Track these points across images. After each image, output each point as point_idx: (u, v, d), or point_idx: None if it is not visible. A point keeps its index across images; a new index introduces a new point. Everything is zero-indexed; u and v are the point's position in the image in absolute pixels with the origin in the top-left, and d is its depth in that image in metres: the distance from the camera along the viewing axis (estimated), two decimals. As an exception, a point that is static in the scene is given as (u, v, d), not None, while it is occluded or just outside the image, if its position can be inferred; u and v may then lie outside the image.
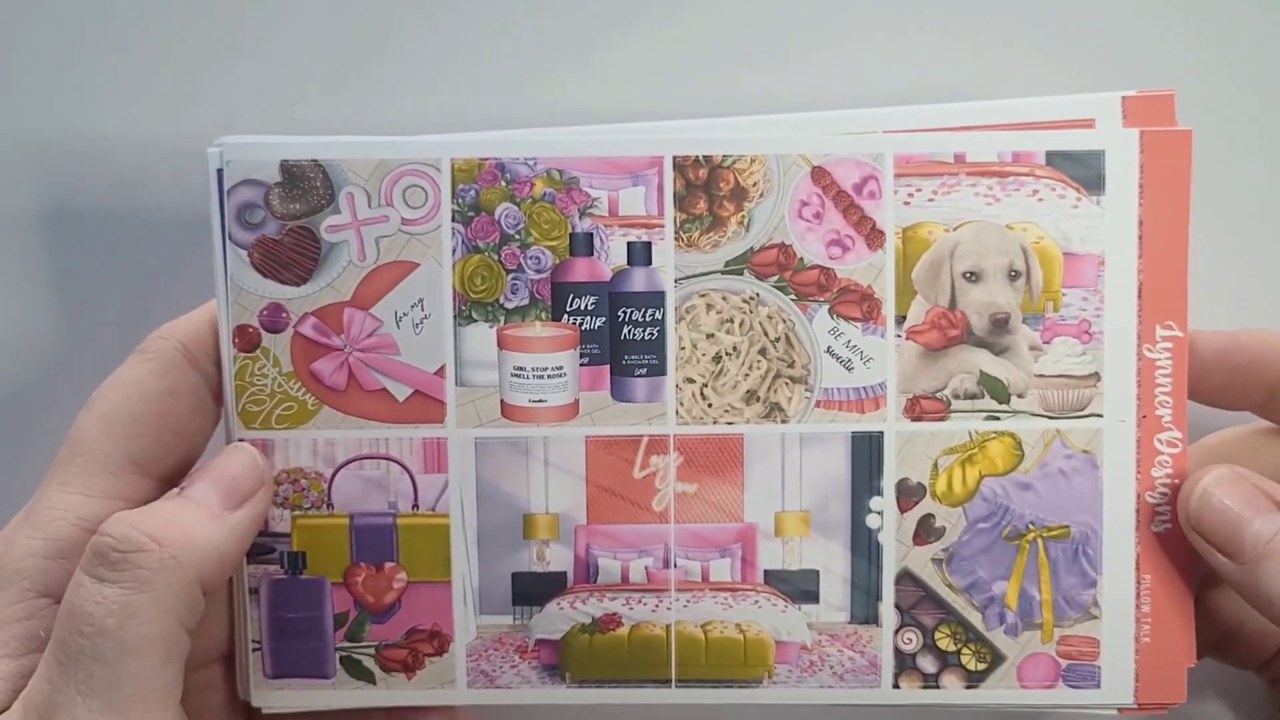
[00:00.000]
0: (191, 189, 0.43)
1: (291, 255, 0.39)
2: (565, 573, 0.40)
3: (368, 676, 0.40)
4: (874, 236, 0.39)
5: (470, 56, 0.45)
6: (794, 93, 0.44)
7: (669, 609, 0.40)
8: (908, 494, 0.40)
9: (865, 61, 0.44)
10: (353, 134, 0.40)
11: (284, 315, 0.39)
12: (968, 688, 0.40)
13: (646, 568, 0.40)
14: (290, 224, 0.39)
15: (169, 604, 0.34)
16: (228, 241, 0.39)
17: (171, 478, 0.39)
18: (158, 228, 0.45)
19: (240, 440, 0.39)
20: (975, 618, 0.40)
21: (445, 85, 0.45)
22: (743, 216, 0.39)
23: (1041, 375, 0.40)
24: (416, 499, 0.40)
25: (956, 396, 0.40)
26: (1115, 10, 0.44)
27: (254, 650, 0.40)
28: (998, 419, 0.40)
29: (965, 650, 0.40)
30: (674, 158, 0.39)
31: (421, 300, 0.39)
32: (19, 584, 0.35)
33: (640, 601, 0.40)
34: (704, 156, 0.39)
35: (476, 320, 0.40)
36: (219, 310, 0.39)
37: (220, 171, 0.39)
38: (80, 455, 0.37)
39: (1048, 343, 0.40)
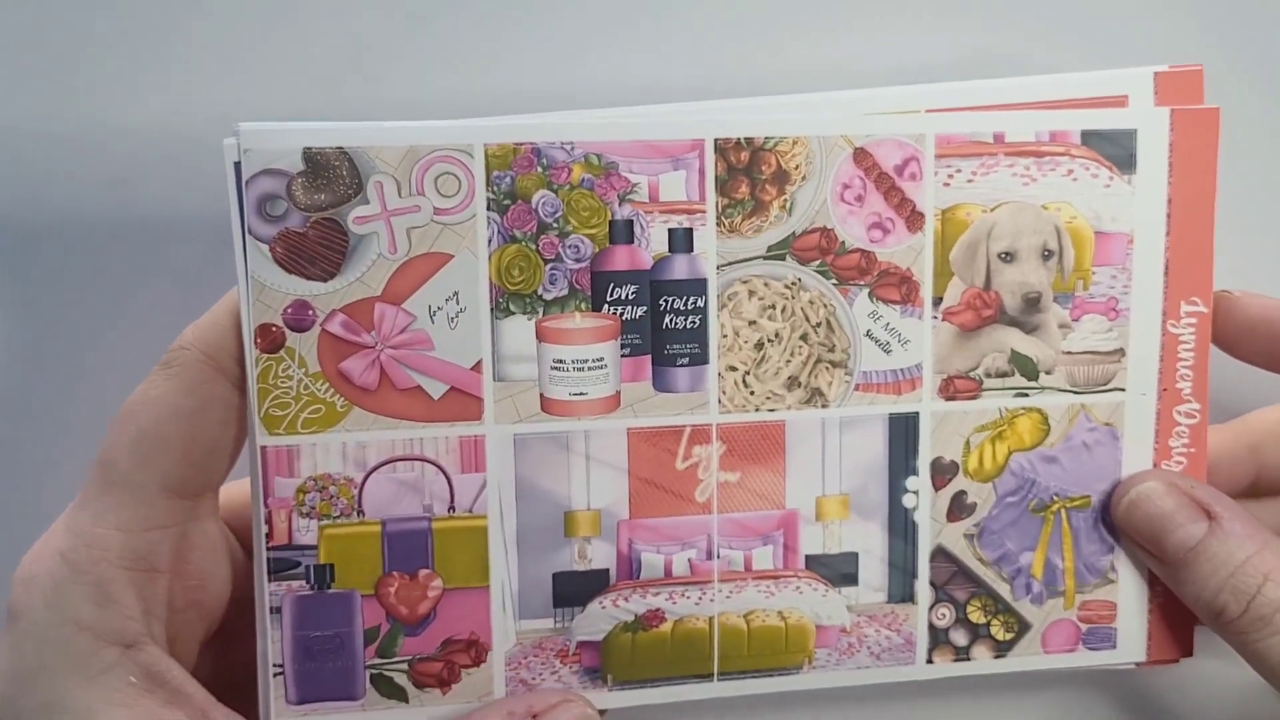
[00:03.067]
0: (206, 183, 0.48)
1: (317, 249, 0.45)
2: (608, 570, 0.49)
3: (399, 695, 0.48)
4: (914, 219, 0.49)
5: (500, 35, 0.51)
6: (835, 71, 0.52)
7: (712, 601, 0.49)
8: (941, 472, 0.50)
9: (905, 39, 0.53)
10: (379, 119, 0.46)
11: (310, 313, 0.46)
12: (996, 657, 0.51)
13: (690, 560, 0.49)
14: (315, 216, 0.45)
15: None
16: (248, 236, 0.45)
17: (206, 490, 0.45)
18: (171, 225, 0.50)
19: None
20: (1004, 589, 0.51)
21: (475, 66, 0.51)
22: (785, 200, 0.48)
23: (1069, 352, 0.50)
24: (453, 501, 0.47)
25: (988, 375, 0.50)
26: None
27: (275, 675, 0.47)
28: (1026, 395, 0.50)
29: (995, 621, 0.51)
30: (715, 140, 0.47)
31: (457, 293, 0.46)
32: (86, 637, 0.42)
33: (684, 595, 0.49)
34: (746, 139, 0.47)
35: (514, 313, 0.47)
36: (241, 309, 0.45)
37: (238, 164, 0.44)
38: (115, 487, 0.43)
39: (1076, 320, 0.50)
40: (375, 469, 0.46)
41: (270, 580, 0.46)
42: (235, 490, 0.48)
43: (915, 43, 0.52)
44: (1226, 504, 0.48)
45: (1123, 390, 0.50)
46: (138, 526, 0.43)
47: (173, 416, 0.44)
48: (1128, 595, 0.51)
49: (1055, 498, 0.50)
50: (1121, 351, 0.49)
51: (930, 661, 0.50)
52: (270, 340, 0.45)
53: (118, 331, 0.51)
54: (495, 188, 0.45)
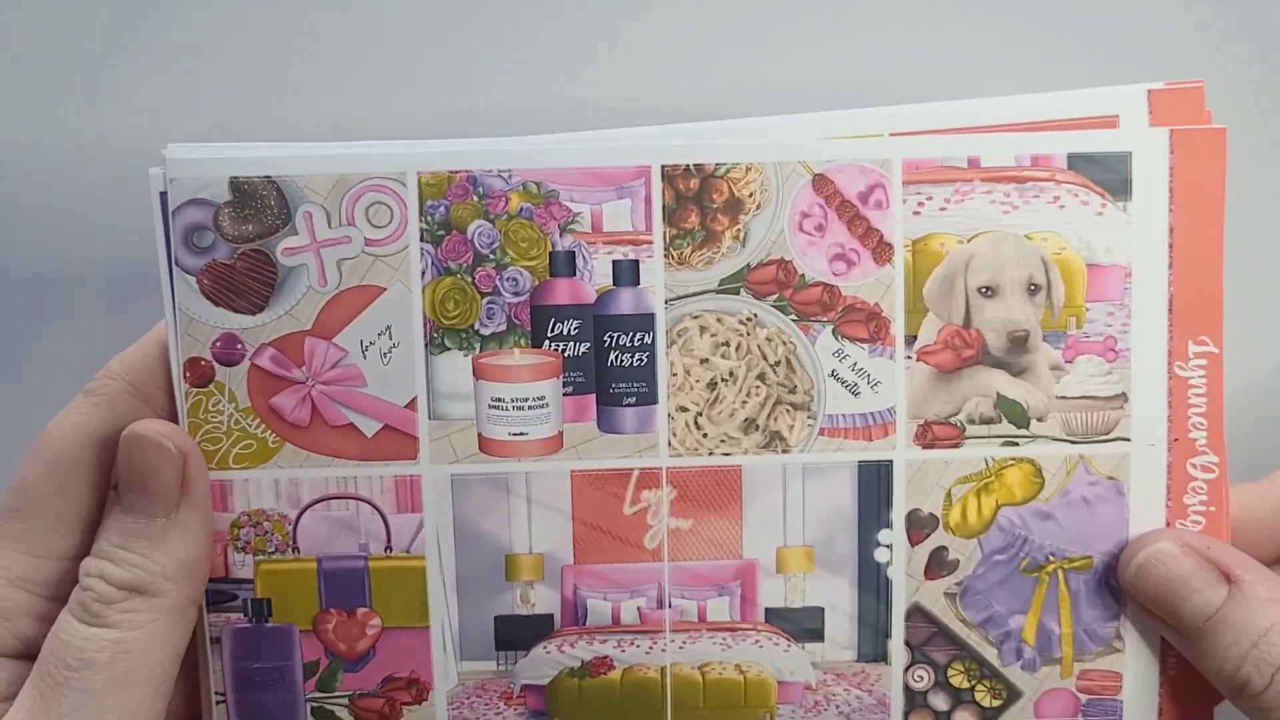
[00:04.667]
0: (131, 210, 0.49)
1: (246, 281, 0.45)
2: (552, 615, 0.47)
3: (340, 728, 0.47)
4: (881, 250, 0.46)
5: (436, 55, 0.50)
6: (792, 92, 0.49)
7: (664, 651, 0.47)
8: (919, 526, 0.47)
9: (868, 55, 0.50)
10: (307, 141, 0.45)
11: (239, 346, 0.45)
12: (982, 727, 0.48)
13: (639, 608, 0.47)
14: (243, 247, 0.45)
15: (163, 631, 0.42)
16: (174, 267, 0.45)
17: None
18: (95, 255, 0.51)
19: (143, 423, 0.44)
20: (990, 653, 0.47)
21: (408, 87, 0.50)
22: (738, 230, 0.45)
23: (1063, 397, 0.46)
24: (389, 540, 0.47)
25: (971, 421, 0.46)
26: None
27: (218, 703, 0.47)
28: (1016, 444, 0.47)
29: (980, 687, 0.47)
30: (662, 167, 0.45)
31: (389, 328, 0.45)
32: None
33: (633, 644, 0.47)
34: (695, 165, 0.45)
35: (450, 348, 0.46)
36: (169, 342, 0.45)
37: (164, 194, 0.44)
38: (27, 512, 0.43)
39: (1070, 362, 0.46)
40: (309, 506, 0.46)
41: (209, 612, 0.46)
42: None
43: (881, 65, 0.49)
44: (1248, 565, 0.43)
45: (1127, 440, 0.46)
46: (49, 554, 0.43)
47: (94, 445, 0.43)
48: (1136, 665, 0.47)
49: (1051, 558, 0.46)
50: (1124, 396, 0.45)
51: (907, 725, 0.47)
52: (199, 374, 0.45)
53: (43, 363, 0.51)
54: (429, 218, 0.44)
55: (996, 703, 0.47)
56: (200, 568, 0.44)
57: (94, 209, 0.51)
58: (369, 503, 0.46)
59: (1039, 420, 0.46)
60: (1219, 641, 0.43)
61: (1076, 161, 0.44)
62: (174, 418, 0.45)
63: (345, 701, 0.47)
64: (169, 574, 0.42)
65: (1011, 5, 0.50)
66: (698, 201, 0.45)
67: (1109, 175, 0.44)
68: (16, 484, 0.44)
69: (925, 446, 0.46)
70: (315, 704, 0.47)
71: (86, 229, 0.51)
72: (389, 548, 0.46)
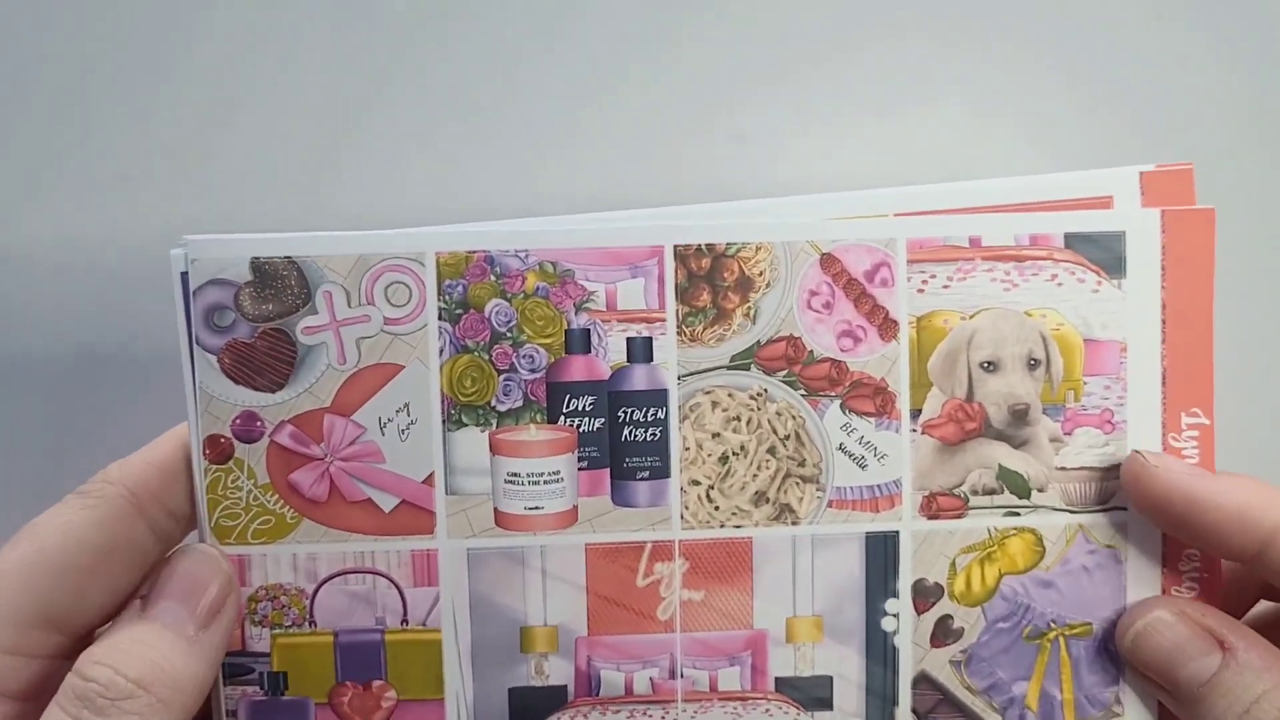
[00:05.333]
0: (153, 296, 0.49)
1: (265, 360, 0.46)
2: (566, 686, 0.48)
3: (356, 802, 0.48)
4: (887, 327, 0.47)
5: (451, 142, 0.51)
6: (799, 173, 0.51)
7: (676, 721, 0.48)
8: (924, 595, 0.48)
9: (872, 140, 0.52)
10: (327, 230, 0.46)
11: (259, 424, 0.46)
12: (988, 792, 0.49)
13: (651, 678, 0.48)
14: (263, 326, 0.46)
15: None
16: (195, 346, 0.46)
17: (88, 630, 0.43)
18: (114, 345, 0.52)
19: (195, 544, 0.45)
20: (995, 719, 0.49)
21: (426, 175, 0.52)
22: (749, 308, 0.47)
23: (1063, 468, 0.48)
24: (406, 614, 0.47)
25: (975, 492, 0.48)
26: (1125, 83, 0.52)
27: (232, 779, 0.47)
28: (1018, 514, 0.48)
29: (985, 755, 0.49)
30: (675, 247, 0.47)
31: (407, 405, 0.46)
32: None
33: (645, 714, 0.48)
34: (706, 245, 0.47)
35: (467, 424, 0.47)
36: (189, 419, 0.46)
37: (185, 274, 0.45)
38: None
39: (1069, 434, 0.48)
40: (326, 580, 0.46)
41: (225, 684, 0.46)
42: None
43: (884, 149, 0.51)
44: (1242, 633, 0.45)
45: (1124, 510, 0.47)
46: (2, 648, 0.42)
47: (77, 548, 0.42)
48: (1135, 729, 0.48)
49: (1052, 625, 0.48)
50: (1120, 467, 0.47)
51: (915, 793, 0.48)
52: (219, 451, 0.45)
53: (67, 445, 0.52)
54: (447, 297, 0.45)
55: (1001, 768, 0.48)
56: (203, 693, 0.43)
57: (112, 297, 0.51)
58: (386, 577, 0.46)
59: (1039, 491, 0.47)
60: (1213, 707, 0.44)
61: (1073, 241, 0.46)
62: (170, 531, 0.45)
63: None
64: (180, 685, 0.42)
65: (1009, 92, 0.52)
66: (709, 280, 0.46)
67: (1104, 254, 0.46)
68: None
69: (930, 517, 0.47)
70: None
71: (105, 316, 0.52)
72: (405, 620, 0.47)
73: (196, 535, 0.46)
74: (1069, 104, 0.52)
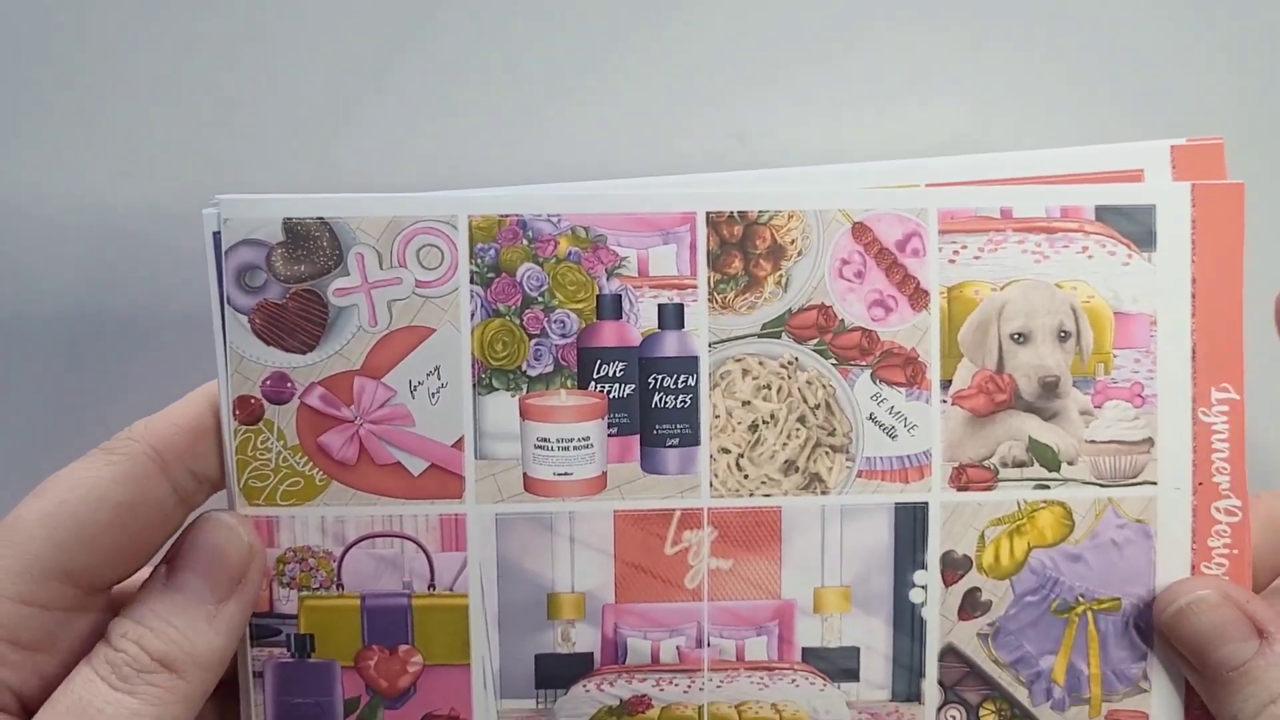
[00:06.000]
0: (184, 257, 0.50)
1: (297, 321, 0.46)
2: (592, 654, 0.48)
3: (380, 766, 0.48)
4: (918, 297, 0.47)
5: (486, 107, 0.52)
6: (832, 144, 0.51)
7: (701, 689, 0.48)
8: (953, 567, 0.48)
9: (906, 111, 0.52)
10: (360, 191, 0.46)
11: (289, 385, 0.46)
12: (1014, 766, 0.49)
13: (678, 647, 0.48)
14: (295, 287, 0.46)
15: (176, 716, 0.42)
16: (226, 306, 0.46)
17: (106, 586, 0.44)
18: (152, 305, 0.52)
19: (218, 511, 0.45)
20: (1021, 694, 0.49)
21: (461, 139, 0.52)
22: (780, 276, 0.47)
23: (1093, 441, 0.48)
24: (433, 578, 0.47)
25: (1004, 465, 0.48)
26: (1156, 57, 0.52)
27: (257, 739, 0.47)
28: (1047, 488, 0.48)
29: (1012, 728, 0.49)
30: (707, 214, 0.47)
31: (438, 368, 0.47)
32: None
33: (671, 682, 0.48)
34: (739, 212, 0.47)
35: (497, 389, 0.47)
36: (219, 379, 0.46)
37: (217, 234, 0.45)
38: (8, 551, 0.41)
39: (1099, 407, 0.48)
40: (354, 544, 0.47)
41: (253, 646, 0.46)
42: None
43: (915, 117, 0.52)
44: None
45: (1154, 484, 0.47)
46: (17, 597, 0.42)
47: (99, 503, 0.42)
48: (1162, 706, 0.48)
49: (1081, 599, 0.48)
50: (1150, 441, 0.47)
51: (940, 766, 0.48)
52: (249, 412, 0.46)
53: (97, 404, 0.52)
54: (479, 260, 0.46)
55: (1027, 742, 0.48)
56: (225, 663, 0.44)
57: (145, 258, 0.52)
58: (414, 541, 0.47)
59: (1069, 464, 0.47)
60: (1240, 692, 0.44)
61: (1104, 213, 0.46)
62: (192, 492, 0.45)
63: None
64: (200, 660, 0.43)
65: (1043, 63, 0.52)
66: (741, 248, 0.46)
67: (1135, 227, 0.46)
68: (8, 519, 0.42)
69: (960, 489, 0.47)
70: None
71: (136, 277, 0.52)
72: (432, 585, 0.47)
73: (221, 498, 0.46)
74: (1101, 77, 0.52)
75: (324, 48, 0.52)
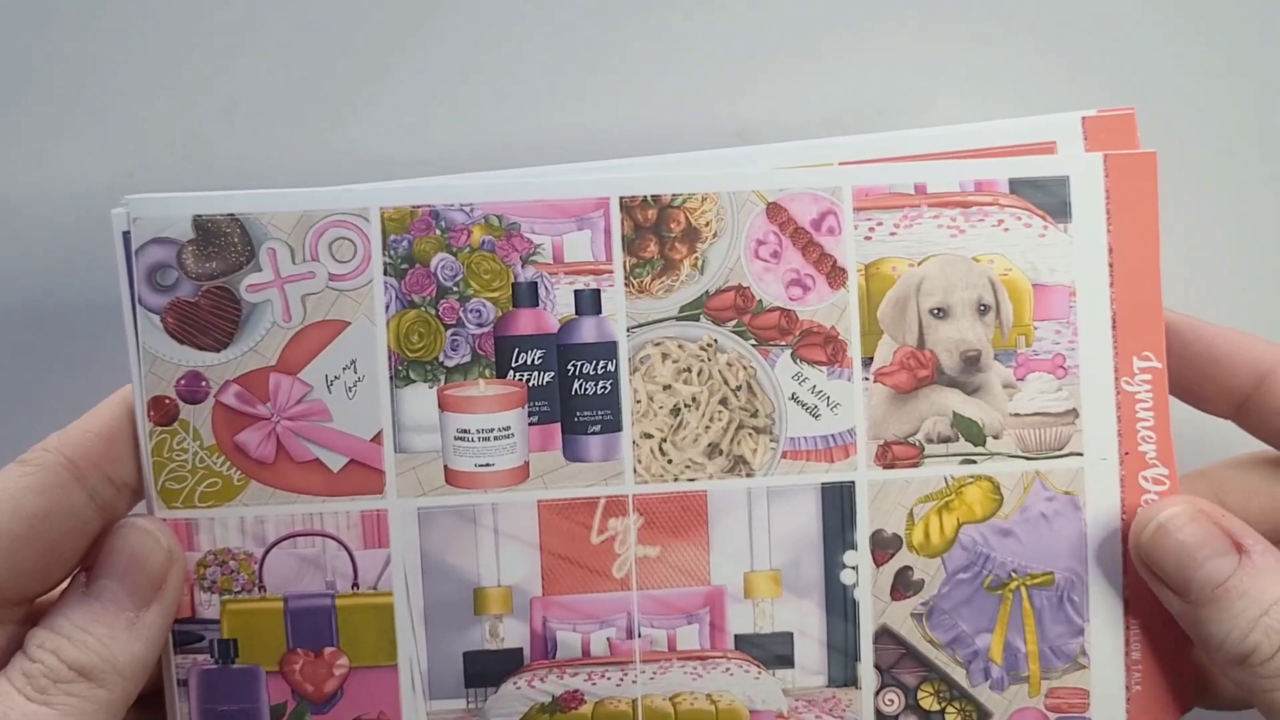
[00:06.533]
0: (92, 256, 0.49)
1: (209, 318, 0.46)
2: (521, 649, 0.47)
3: (309, 773, 0.47)
4: (835, 275, 0.47)
5: (397, 97, 0.52)
6: (744, 126, 0.52)
7: (634, 682, 0.48)
8: (883, 546, 0.48)
9: (816, 88, 0.52)
10: (269, 186, 0.46)
11: (203, 384, 0.46)
12: (955, 749, 0.48)
13: (609, 639, 0.48)
14: (207, 284, 0.46)
15: None
16: (138, 306, 0.46)
17: (24, 599, 0.43)
18: (60, 296, 0.52)
19: (136, 517, 0.45)
20: (959, 674, 0.48)
21: (370, 130, 0.52)
22: (696, 259, 0.47)
23: (1017, 414, 0.48)
24: (356, 577, 0.47)
25: (930, 440, 0.48)
26: (1066, 27, 0.53)
27: (182, 748, 0.47)
28: (974, 462, 0.48)
29: (950, 709, 0.48)
30: (621, 199, 0.47)
31: (354, 362, 0.46)
32: None
33: (604, 676, 0.48)
34: (652, 196, 0.47)
35: (415, 380, 0.47)
36: (133, 380, 0.46)
37: (127, 234, 0.45)
38: None
39: (1022, 379, 0.48)
40: (275, 544, 0.46)
41: (176, 653, 0.46)
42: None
43: (825, 96, 0.52)
44: (1255, 535, 0.45)
45: (1080, 455, 0.47)
46: None
47: (13, 515, 0.42)
48: (1102, 682, 0.48)
49: (1014, 574, 0.48)
50: (1075, 413, 0.47)
51: (880, 751, 0.48)
52: (164, 413, 0.45)
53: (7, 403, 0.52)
54: (392, 252, 0.46)
55: (968, 724, 0.48)
56: (147, 671, 0.43)
57: (58, 251, 0.51)
58: (335, 539, 0.46)
59: (995, 438, 0.47)
60: (1228, 609, 0.44)
61: (1018, 186, 0.47)
62: (111, 500, 0.44)
63: None
64: (120, 669, 0.42)
65: (951, 40, 0.52)
66: (656, 231, 0.46)
67: (1049, 199, 0.47)
68: None
69: (886, 467, 0.47)
70: None
71: (49, 271, 0.52)
72: (356, 584, 0.46)
73: (143, 505, 0.46)
74: (1010, 50, 0.53)
75: (247, 42, 0.52)
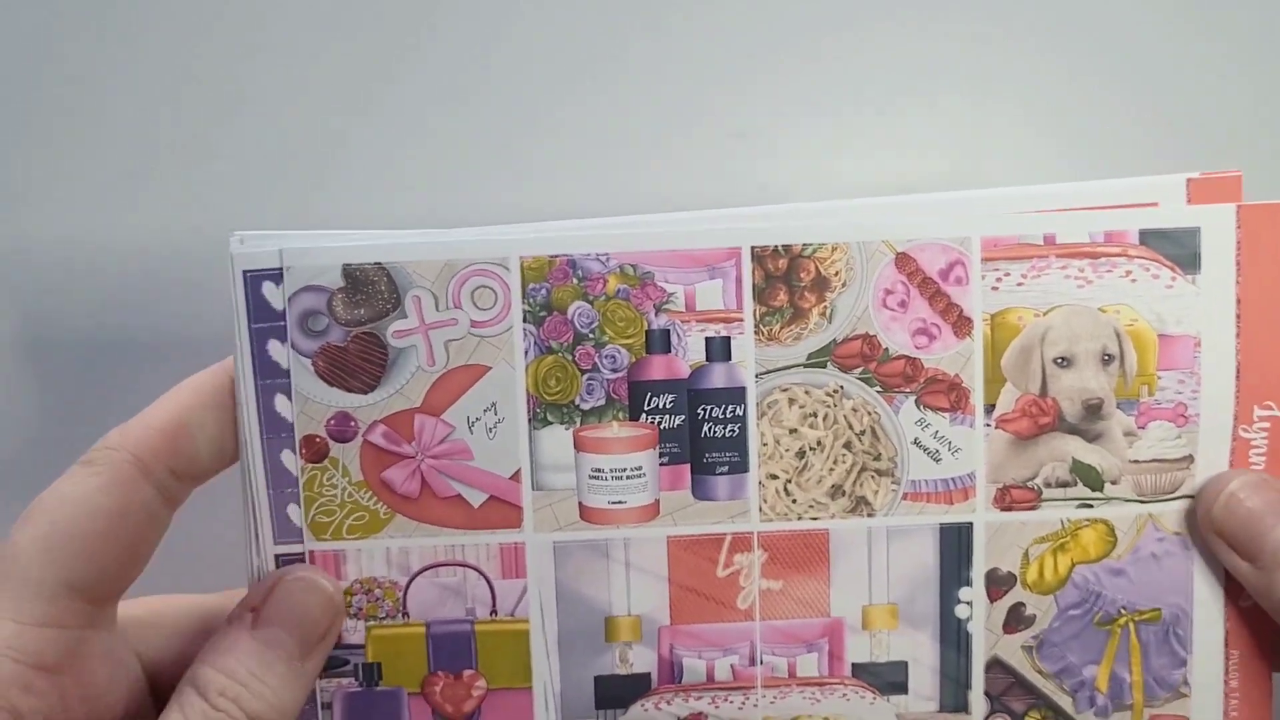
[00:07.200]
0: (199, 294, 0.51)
1: (358, 363, 0.48)
2: (649, 674, 0.50)
3: (448, 787, 0.50)
4: (961, 324, 0.49)
5: (532, 144, 0.53)
6: (873, 178, 0.53)
7: (755, 706, 0.50)
8: (998, 583, 0.50)
9: (816, 89, 0.53)
10: (407, 228, 0.48)
11: (352, 424, 0.48)
12: (1059, 771, 0.51)
13: (732, 665, 0.50)
14: (355, 330, 0.48)
15: None
16: (291, 351, 0.48)
17: (112, 596, 0.45)
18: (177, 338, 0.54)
19: (306, 568, 0.48)
20: (1065, 702, 0.51)
21: (508, 177, 0.53)
22: (825, 307, 0.49)
23: (1136, 461, 0.49)
24: (495, 605, 0.50)
25: (1048, 485, 0.50)
26: (1166, 90, 0.53)
27: (329, 765, 0.50)
28: (1091, 506, 0.50)
29: (1056, 736, 0.51)
30: (752, 248, 0.48)
31: (494, 404, 0.49)
32: None
33: (727, 700, 0.50)
34: (783, 246, 0.48)
35: (552, 422, 0.49)
36: (295, 418, 0.48)
37: (246, 273, 0.47)
38: (12, 579, 0.43)
39: (1143, 428, 0.49)
40: (418, 574, 0.49)
41: (321, 677, 0.49)
42: (135, 606, 0.49)
43: (945, 152, 0.53)
44: None
45: (1191, 498, 0.49)
46: (33, 621, 0.43)
47: (89, 515, 0.44)
48: (1201, 710, 0.50)
49: (1123, 611, 0.50)
50: (1190, 458, 0.48)
51: (988, 772, 0.50)
52: (315, 450, 0.48)
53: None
54: (531, 300, 0.47)
55: (1072, 749, 0.50)
56: (295, 713, 0.46)
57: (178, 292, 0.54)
58: (475, 569, 0.49)
59: (1112, 483, 0.49)
60: None
61: (1148, 237, 0.47)
62: (175, 492, 0.46)
63: None
64: (286, 715, 0.45)
65: (1041, 93, 0.53)
66: (786, 280, 0.48)
67: (1179, 250, 0.47)
68: (4, 550, 0.43)
69: (1004, 509, 0.49)
70: None
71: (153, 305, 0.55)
72: (494, 611, 0.49)
73: (201, 491, 0.48)
74: (1108, 110, 0.53)
75: (359, 88, 0.53)
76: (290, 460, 0.48)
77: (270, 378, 0.48)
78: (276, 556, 0.48)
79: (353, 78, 0.54)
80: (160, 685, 0.48)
